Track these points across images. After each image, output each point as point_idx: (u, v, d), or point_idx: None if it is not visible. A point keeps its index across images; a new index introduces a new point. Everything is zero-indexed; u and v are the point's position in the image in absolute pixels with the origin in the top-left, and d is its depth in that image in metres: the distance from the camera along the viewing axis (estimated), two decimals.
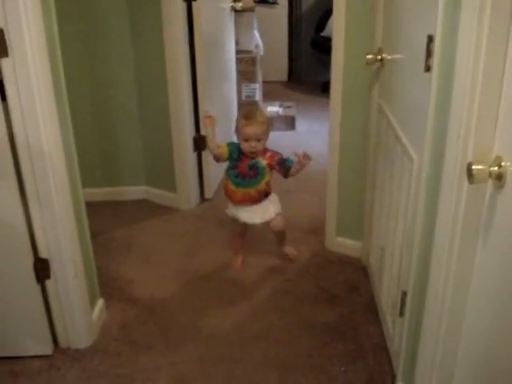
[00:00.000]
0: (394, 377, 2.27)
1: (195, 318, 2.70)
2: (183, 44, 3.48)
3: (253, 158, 2.80)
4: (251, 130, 2.71)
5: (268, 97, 6.08)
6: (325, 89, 6.79)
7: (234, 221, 3.01)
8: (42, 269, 2.33)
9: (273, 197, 2.96)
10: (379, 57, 2.56)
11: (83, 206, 2.53)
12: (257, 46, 5.10)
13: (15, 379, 2.35)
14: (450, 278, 1.61)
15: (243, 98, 4.88)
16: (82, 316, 2.47)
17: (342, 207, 3.19)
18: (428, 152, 1.75)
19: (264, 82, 5.93)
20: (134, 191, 3.97)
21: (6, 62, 1.98)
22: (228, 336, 2.57)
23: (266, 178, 2.86)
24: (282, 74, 7.53)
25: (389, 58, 2.48)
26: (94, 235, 2.68)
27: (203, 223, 3.65)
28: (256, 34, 5.23)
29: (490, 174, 1.37)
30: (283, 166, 2.80)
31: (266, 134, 2.78)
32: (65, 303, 2.42)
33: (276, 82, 7.30)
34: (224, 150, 2.82)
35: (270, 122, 2.90)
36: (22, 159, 2.14)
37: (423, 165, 1.79)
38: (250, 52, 4.98)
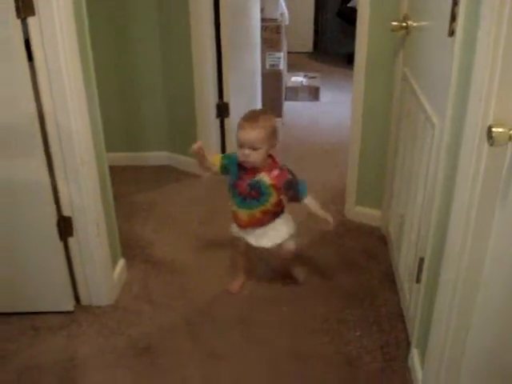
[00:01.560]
0: (408, 344, 2.29)
1: (212, 281, 2.74)
2: (208, 10, 3.48)
3: (254, 174, 2.30)
4: (245, 134, 2.21)
5: (292, 67, 6.05)
6: (350, 60, 6.69)
7: (238, 239, 2.56)
8: (65, 226, 2.38)
9: (285, 216, 2.48)
10: (404, 24, 2.54)
11: (106, 168, 2.57)
12: (282, 15, 5.06)
13: (37, 334, 2.41)
14: (468, 242, 1.62)
15: (267, 66, 4.85)
16: (103, 274, 2.53)
17: (363, 176, 3.20)
18: (449, 116, 1.75)
19: (289, 52, 5.90)
20: (157, 157, 4.02)
21: (32, 20, 2.01)
22: (244, 299, 2.61)
23: (273, 199, 2.36)
24: (307, 45, 7.48)
25: (414, 24, 2.46)
26: (116, 198, 2.71)
27: (222, 189, 3.67)
28: (282, 2, 5.19)
29: (510, 137, 1.38)
30: (292, 193, 2.33)
31: (266, 143, 2.24)
32: (87, 261, 2.47)
33: (301, 52, 7.26)
34: (215, 161, 2.38)
35: (276, 132, 2.31)
36: (47, 120, 2.18)
37: (444, 129, 1.80)
38: (275, 20, 4.94)
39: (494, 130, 1.37)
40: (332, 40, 7.56)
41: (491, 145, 1.39)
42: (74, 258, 2.47)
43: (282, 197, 2.38)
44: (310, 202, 2.33)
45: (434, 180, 1.95)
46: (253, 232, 2.45)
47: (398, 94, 2.80)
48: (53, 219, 2.34)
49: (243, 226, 2.44)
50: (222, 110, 3.78)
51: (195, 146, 2.30)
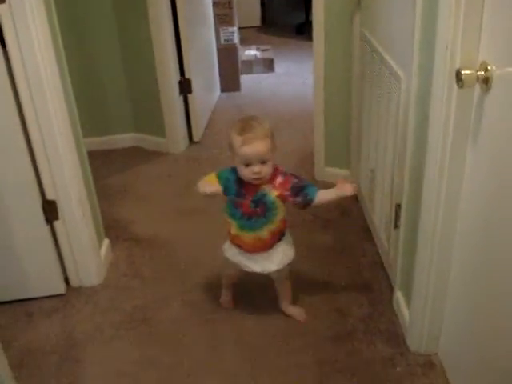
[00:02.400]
0: (391, 288, 2.42)
1: (197, 250, 2.82)
2: None
3: (256, 188, 2.01)
4: (252, 149, 1.90)
5: (244, 42, 6.09)
6: (299, 31, 6.85)
7: (231, 264, 2.26)
8: (50, 210, 2.42)
9: (288, 237, 2.22)
10: None
11: (84, 150, 2.61)
12: None
13: (31, 319, 2.45)
14: (444, 182, 1.74)
15: (222, 41, 4.90)
16: (91, 254, 2.58)
17: (329, 138, 3.30)
18: (416, 67, 1.86)
19: (238, 27, 5.95)
20: (124, 139, 4.04)
21: (2, 8, 2.03)
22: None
23: (281, 214, 2.08)
24: (255, 19, 7.52)
25: None
26: None
27: (194, 164, 3.75)
28: None
29: (478, 78, 1.49)
30: (301, 198, 2.03)
31: (273, 151, 1.97)
32: (74, 243, 2.52)
33: (250, 27, 7.30)
34: (216, 188, 2.05)
35: (271, 134, 1.98)
36: (24, 105, 2.20)
37: (413, 79, 1.90)
38: None
39: (462, 72, 1.48)
40: (279, 12, 7.63)
41: (461, 87, 1.50)
42: (62, 241, 2.52)
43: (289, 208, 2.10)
44: (322, 197, 2.06)
45: (405, 130, 2.06)
46: (258, 257, 2.14)
47: (358, 55, 2.90)
48: (37, 204, 2.37)
49: (249, 250, 2.13)
50: (185, 87, 3.83)
51: (208, 192, 2.05)
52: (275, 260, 2.15)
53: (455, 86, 1.53)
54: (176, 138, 3.89)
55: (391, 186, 2.33)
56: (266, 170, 1.95)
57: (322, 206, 2.10)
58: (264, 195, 2.01)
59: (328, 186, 3.24)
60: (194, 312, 2.42)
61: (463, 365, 1.90)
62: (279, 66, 5.68)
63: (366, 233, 2.85)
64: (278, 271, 2.19)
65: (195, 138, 4.02)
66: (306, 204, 2.04)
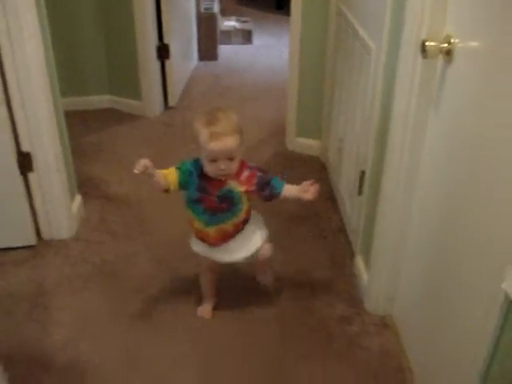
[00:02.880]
0: (352, 254, 2.52)
1: (167, 211, 2.87)
2: None
3: (221, 183, 1.89)
4: (220, 145, 1.77)
5: (224, 13, 6.11)
6: (279, 6, 6.87)
7: (203, 257, 2.14)
8: (24, 162, 2.46)
9: (255, 217, 2.10)
10: None
11: (61, 106, 2.64)
12: None
13: (2, 268, 2.50)
14: (406, 147, 1.83)
15: (202, 10, 4.92)
16: (63, 208, 2.63)
17: (302, 109, 3.37)
18: (386, 38, 1.94)
19: None
20: (100, 100, 4.06)
21: None
22: None
23: (246, 206, 1.99)
24: None
25: None
26: None
27: (169, 128, 3.80)
28: None
29: (441, 50, 1.57)
30: (268, 191, 1.95)
31: (240, 146, 1.85)
32: (47, 195, 2.57)
33: None
34: (171, 178, 1.92)
35: (239, 129, 1.85)
36: (4, 56, 2.24)
37: (381, 50, 1.98)
38: None
39: (426, 44, 1.56)
40: None
41: (425, 57, 1.59)
42: (35, 194, 2.56)
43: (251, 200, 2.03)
44: (287, 192, 1.99)
45: (373, 100, 2.14)
46: (224, 247, 2.04)
47: (334, 29, 2.97)
48: (12, 154, 2.41)
49: (213, 243, 2.02)
50: (163, 52, 3.86)
51: (139, 167, 1.85)
52: (243, 249, 2.05)
53: (420, 56, 1.61)
54: (152, 102, 3.93)
55: (357, 154, 2.42)
56: (233, 166, 1.84)
57: (287, 200, 2.01)
58: (230, 191, 1.90)
59: (298, 156, 3.40)
60: (161, 268, 2.50)
61: (415, 326, 2.00)
62: (257, 39, 5.73)
63: (332, 201, 2.94)
64: (251, 256, 2.08)
65: (171, 103, 4.07)
66: (273, 197, 1.97)
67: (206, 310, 2.24)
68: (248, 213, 2.03)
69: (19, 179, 2.48)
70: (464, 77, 1.50)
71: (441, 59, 1.61)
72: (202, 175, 1.89)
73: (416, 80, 1.69)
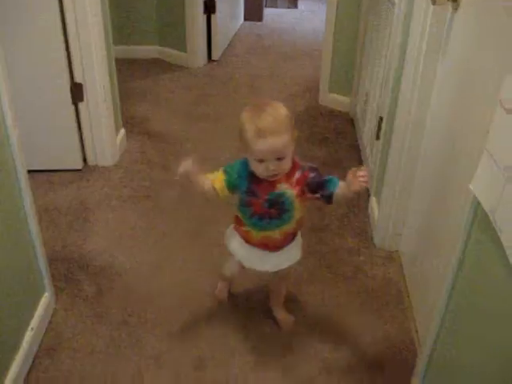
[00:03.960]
0: (368, 195, 2.69)
1: (203, 147, 3.11)
2: None
3: (272, 185, 1.64)
4: (267, 145, 1.52)
5: None
6: None
7: (234, 263, 1.91)
8: (76, 91, 2.69)
9: (299, 237, 1.87)
10: None
11: (111, 47, 2.86)
12: None
13: (51, 186, 2.75)
14: (416, 91, 1.99)
15: None
16: (108, 137, 2.86)
17: (335, 67, 3.55)
18: None
19: None
20: (147, 50, 4.29)
21: None
22: None
23: (299, 214, 1.73)
24: None
25: None
26: None
27: (210, 79, 4.01)
28: None
29: None
30: (323, 193, 1.65)
31: (292, 144, 1.59)
32: (94, 124, 2.80)
33: None
34: (218, 185, 1.66)
35: (290, 125, 1.58)
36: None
37: (402, 2, 2.13)
38: None
39: None
40: None
41: (433, 4, 1.73)
42: (84, 122, 2.80)
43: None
44: (340, 191, 1.63)
45: (392, 49, 2.30)
46: (265, 256, 1.80)
47: None
48: (66, 85, 2.64)
49: (255, 244, 1.79)
50: (210, 6, 4.04)
51: (183, 169, 1.61)
52: (277, 261, 1.81)
53: (431, 5, 1.76)
54: (196, 54, 4.14)
55: (378, 103, 2.58)
56: (284, 165, 1.59)
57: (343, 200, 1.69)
58: (281, 195, 1.64)
59: (329, 111, 3.56)
60: (190, 197, 2.70)
61: (417, 261, 2.17)
62: (303, 4, 5.87)
63: (356, 151, 3.11)
64: (275, 272, 1.87)
65: (214, 57, 4.26)
66: (328, 197, 1.64)
67: (221, 294, 2.11)
68: (300, 224, 1.78)
69: (71, 108, 2.72)
70: (468, 24, 1.65)
71: (449, 7, 1.76)
72: (251, 176, 1.63)
73: (426, 27, 1.84)
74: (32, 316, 1.90)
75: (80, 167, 2.87)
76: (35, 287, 1.95)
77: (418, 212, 2.16)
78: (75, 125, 2.77)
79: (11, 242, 1.75)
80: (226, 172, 1.67)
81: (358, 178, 1.53)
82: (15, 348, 1.76)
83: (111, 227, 2.49)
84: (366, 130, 2.89)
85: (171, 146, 3.13)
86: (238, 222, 1.79)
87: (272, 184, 1.63)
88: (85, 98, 2.72)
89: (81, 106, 2.74)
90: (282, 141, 1.53)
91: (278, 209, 1.67)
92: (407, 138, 2.13)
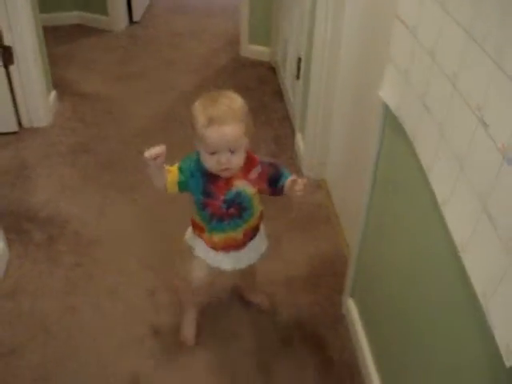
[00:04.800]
0: (293, 132, 2.86)
1: (132, 106, 3.19)
2: None
3: (228, 183, 1.53)
4: (219, 134, 1.41)
5: None
6: None
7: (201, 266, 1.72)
8: (6, 55, 2.71)
9: (261, 228, 1.74)
10: None
11: (37, 8, 2.90)
12: None
13: None
14: (328, 29, 2.16)
15: None
16: (41, 98, 2.91)
17: (253, 18, 3.68)
18: None
19: None
20: (69, 16, 4.26)
21: None
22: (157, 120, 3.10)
23: (258, 210, 1.65)
24: None
25: None
26: None
27: (133, 40, 4.06)
28: None
29: None
30: (278, 186, 1.56)
31: (246, 137, 1.46)
32: (26, 86, 2.84)
33: None
34: (171, 178, 1.54)
35: (246, 116, 1.47)
36: None
37: None
38: None
39: None
40: None
41: None
42: (16, 85, 2.83)
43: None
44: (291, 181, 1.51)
45: None
46: (232, 256, 1.69)
47: None
48: None
49: (219, 249, 1.67)
50: None
51: (151, 153, 1.43)
52: (248, 256, 1.72)
53: None
54: (117, 17, 4.16)
55: (296, 44, 2.74)
56: (237, 160, 1.46)
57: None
58: (238, 193, 1.54)
59: (250, 62, 3.69)
60: (127, 147, 2.80)
61: (341, 185, 2.36)
62: None
63: (279, 95, 3.27)
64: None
65: (135, 18, 4.30)
66: (280, 193, 1.57)
67: (190, 333, 1.87)
68: (260, 218, 1.69)
69: (2, 72, 2.74)
70: None
71: None
72: (206, 175, 1.52)
73: None
74: None
75: (16, 129, 2.90)
76: None
77: (339, 140, 2.35)
78: (7, 88, 2.80)
79: None
80: (180, 170, 1.53)
81: (295, 190, 1.47)
82: None
83: (53, 181, 2.57)
84: (288, 75, 3.05)
85: (102, 104, 3.19)
86: (198, 229, 1.66)
87: (228, 182, 1.52)
88: (15, 61, 2.75)
89: (11, 68, 2.77)
90: (234, 130, 1.41)
91: (237, 208, 1.57)
92: (324, 72, 2.30)
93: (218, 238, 1.63)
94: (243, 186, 1.53)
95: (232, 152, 1.44)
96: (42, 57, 2.92)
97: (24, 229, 2.29)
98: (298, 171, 2.64)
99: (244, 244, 1.67)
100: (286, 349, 1.84)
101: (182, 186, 1.54)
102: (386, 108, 1.44)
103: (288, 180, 1.49)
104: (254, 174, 1.54)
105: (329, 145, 2.48)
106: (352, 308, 1.85)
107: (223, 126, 1.40)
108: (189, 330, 1.87)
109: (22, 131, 2.92)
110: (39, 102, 2.91)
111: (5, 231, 2.17)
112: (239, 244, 1.66)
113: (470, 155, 0.94)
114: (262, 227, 1.74)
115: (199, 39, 4.05)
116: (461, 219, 0.98)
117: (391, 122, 1.43)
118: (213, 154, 1.44)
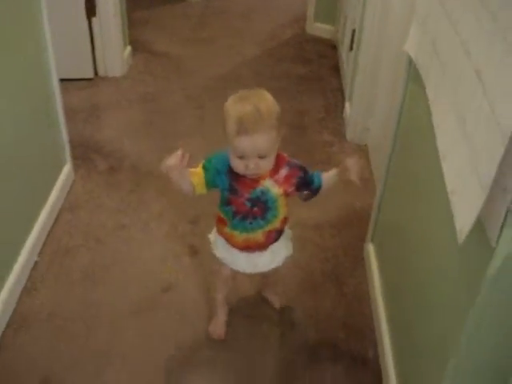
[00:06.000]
0: (344, 102, 3.01)
1: (200, 65, 3.41)
2: None
3: (254, 182, 1.48)
4: (249, 143, 1.37)
5: None
6: None
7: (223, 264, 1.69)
8: (89, 7, 2.97)
9: (286, 232, 1.68)
10: None
11: None
12: None
13: (66, 91, 2.95)
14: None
15: None
16: (117, 50, 3.16)
17: None
18: None
19: None
20: None
21: None
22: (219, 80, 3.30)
23: (283, 213, 1.57)
24: None
25: None
26: None
27: (208, 10, 4.30)
28: None
29: None
30: (307, 192, 1.57)
31: (277, 141, 1.43)
32: (106, 38, 3.10)
33: None
34: (197, 181, 1.48)
35: (278, 122, 1.40)
36: None
37: None
38: None
39: None
40: None
41: None
42: (96, 36, 3.09)
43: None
44: (327, 181, 1.55)
45: None
46: (249, 257, 1.63)
47: None
48: (81, 1, 2.93)
49: (239, 247, 1.61)
50: None
51: (168, 165, 1.41)
52: (266, 261, 1.65)
53: None
54: None
55: (352, 18, 2.88)
56: (266, 164, 1.43)
57: (330, 191, 1.59)
58: (263, 193, 1.49)
59: (315, 38, 3.85)
60: (189, 101, 3.03)
61: (380, 150, 2.49)
62: None
63: (336, 70, 3.42)
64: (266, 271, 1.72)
65: None
66: (312, 196, 1.58)
67: (218, 326, 1.81)
68: (284, 222, 1.61)
69: (85, 22, 3.01)
70: None
71: None
72: (232, 172, 1.46)
73: None
74: (57, 179, 2.24)
75: (91, 76, 3.17)
76: (58, 157, 2.29)
77: (382, 108, 2.48)
78: (88, 38, 3.06)
79: (42, 122, 2.10)
80: (205, 169, 1.48)
81: (352, 163, 1.47)
82: (43, 202, 2.11)
83: (120, 122, 2.81)
84: (344, 48, 3.19)
85: (171, 62, 3.43)
86: (221, 222, 1.60)
87: (255, 180, 1.47)
88: (97, 14, 3.01)
89: (94, 20, 3.03)
90: (264, 138, 1.36)
91: (261, 208, 1.51)
92: (373, 43, 2.45)
93: (238, 236, 1.57)
94: (269, 185, 1.48)
95: (262, 158, 1.39)
96: (121, 13, 3.16)
97: (90, 158, 2.54)
98: (343, 135, 2.79)
99: (265, 246, 1.60)
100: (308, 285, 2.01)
101: (210, 184, 1.49)
102: (410, 61, 1.58)
103: (341, 165, 1.48)
104: (281, 175, 1.49)
105: (373, 112, 2.62)
106: (370, 250, 2.00)
107: (253, 134, 1.34)
108: (221, 328, 1.81)
109: (97, 79, 3.18)
110: (115, 54, 3.16)
111: (73, 158, 2.42)
112: (260, 246, 1.59)
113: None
114: (287, 233, 1.67)
115: (268, 14, 4.24)
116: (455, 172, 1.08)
117: (414, 75, 1.57)
118: (241, 158, 1.39)
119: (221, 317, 1.83)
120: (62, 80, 2.34)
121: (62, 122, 2.28)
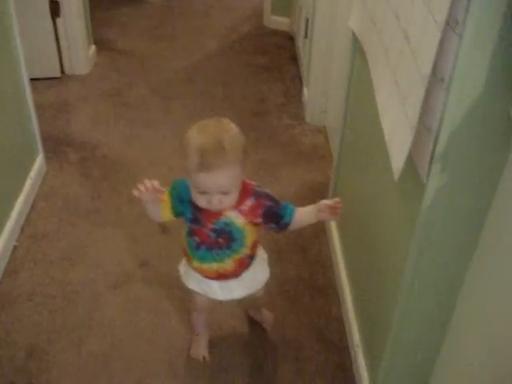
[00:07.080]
0: (302, 87, 3.13)
1: (162, 61, 3.50)
2: None
3: (217, 214, 1.38)
4: (211, 180, 1.28)
5: None
6: None
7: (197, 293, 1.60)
8: (54, 9, 3.04)
9: (260, 255, 1.59)
10: None
11: None
12: None
13: (35, 89, 2.95)
14: None
15: None
16: (82, 49, 3.23)
17: None
18: None
19: None
20: None
21: None
22: (182, 73, 3.40)
23: (250, 240, 1.47)
24: None
25: None
26: None
27: (169, 9, 4.36)
28: None
29: None
30: (275, 224, 1.45)
31: (241, 175, 1.35)
32: (70, 37, 3.16)
33: None
34: (165, 206, 1.41)
35: (243, 154, 1.31)
36: None
37: None
38: None
39: None
40: None
41: None
42: (61, 36, 3.15)
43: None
44: (301, 217, 1.45)
45: None
46: (223, 285, 1.54)
47: None
48: (45, 2, 2.99)
49: (209, 278, 1.52)
50: None
51: (141, 190, 1.32)
52: (242, 287, 1.56)
53: None
54: None
55: (306, 7, 3.00)
56: (229, 201, 1.34)
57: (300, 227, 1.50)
58: (227, 224, 1.40)
59: (272, 30, 3.97)
60: (155, 94, 3.12)
61: (336, 129, 2.62)
62: None
63: (294, 60, 3.54)
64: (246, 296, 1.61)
65: None
66: (281, 229, 1.47)
67: (201, 348, 1.74)
68: (254, 247, 1.51)
69: (50, 23, 3.07)
70: None
71: None
72: (195, 203, 1.37)
73: None
74: (30, 169, 2.31)
75: (58, 75, 3.23)
76: (31, 149, 2.37)
77: (338, 90, 2.58)
78: (53, 38, 3.12)
79: (13, 117, 2.17)
80: (171, 195, 1.41)
81: (336, 209, 1.39)
82: (18, 191, 2.18)
83: (89, 116, 2.89)
84: (300, 37, 3.32)
85: (135, 59, 3.51)
86: (186, 257, 1.54)
87: (218, 212, 1.37)
88: (61, 15, 3.08)
89: (58, 21, 3.10)
90: (228, 175, 1.27)
91: (226, 239, 1.42)
92: (324, 29, 2.57)
93: (209, 268, 1.48)
94: (233, 217, 1.39)
95: (225, 193, 1.30)
96: (85, 14, 3.23)
97: (61, 150, 2.61)
98: (302, 118, 2.91)
99: (237, 274, 1.51)
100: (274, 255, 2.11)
101: (175, 210, 1.41)
102: (354, 37, 1.70)
103: (321, 204, 1.40)
104: (247, 205, 1.39)
105: (329, 95, 2.74)
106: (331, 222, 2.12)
107: (216, 171, 1.24)
108: (204, 350, 1.74)
109: (64, 77, 3.25)
110: (80, 53, 3.23)
111: (45, 151, 2.49)
112: (231, 274, 1.50)
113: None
114: (260, 255, 1.57)
115: (227, 11, 4.33)
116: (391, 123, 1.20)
117: (359, 51, 1.68)
118: (203, 193, 1.30)
119: (202, 340, 1.74)
120: (30, 80, 2.37)
121: (33, 116, 2.36)
